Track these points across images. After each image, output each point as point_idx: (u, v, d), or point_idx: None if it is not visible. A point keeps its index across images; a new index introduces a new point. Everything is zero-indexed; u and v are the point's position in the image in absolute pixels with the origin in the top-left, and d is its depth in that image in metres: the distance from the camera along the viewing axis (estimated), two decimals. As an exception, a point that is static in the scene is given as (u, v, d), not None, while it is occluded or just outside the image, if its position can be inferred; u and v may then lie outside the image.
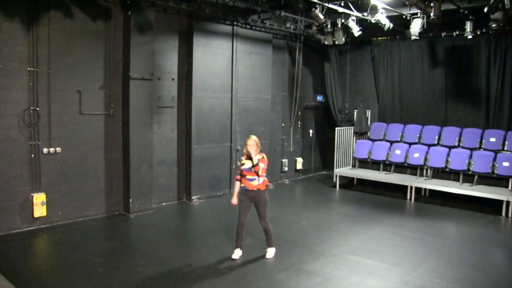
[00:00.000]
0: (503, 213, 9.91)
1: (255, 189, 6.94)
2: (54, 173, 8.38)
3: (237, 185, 7.06)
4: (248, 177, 6.92)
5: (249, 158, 6.91)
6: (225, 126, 11.16)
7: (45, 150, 8.21)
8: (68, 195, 8.59)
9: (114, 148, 9.24)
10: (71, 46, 8.44)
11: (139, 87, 9.20)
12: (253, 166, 6.85)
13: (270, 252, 7.18)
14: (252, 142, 6.92)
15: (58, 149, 8.38)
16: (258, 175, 6.89)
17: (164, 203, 10.17)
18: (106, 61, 8.99)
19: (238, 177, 7.04)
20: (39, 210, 8.12)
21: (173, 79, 10.20)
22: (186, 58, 10.34)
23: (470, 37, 10.59)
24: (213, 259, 7.03)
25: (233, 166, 11.32)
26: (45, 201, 8.18)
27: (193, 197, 10.52)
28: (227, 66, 11.06)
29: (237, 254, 7.08)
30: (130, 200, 9.23)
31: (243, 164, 6.98)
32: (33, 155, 8.08)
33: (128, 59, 9.01)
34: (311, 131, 14.43)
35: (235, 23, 11.04)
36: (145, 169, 9.44)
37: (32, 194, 8.07)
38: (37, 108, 8.07)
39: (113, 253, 7.20)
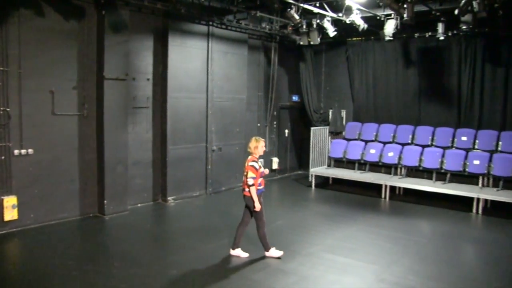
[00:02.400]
0: (474, 210, 10.17)
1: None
2: (26, 175, 8.21)
3: (255, 190, 6.92)
4: (262, 178, 7.06)
5: (258, 159, 7.04)
6: (200, 127, 11.13)
7: (16, 151, 8.04)
8: (40, 198, 8.43)
9: (88, 149, 9.12)
10: (43, 45, 8.28)
11: (114, 88, 9.09)
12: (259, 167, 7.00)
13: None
14: (264, 144, 7.08)
15: (30, 151, 8.22)
16: None
17: (139, 204, 10.09)
18: (80, 61, 8.86)
19: (255, 181, 6.92)
20: (10, 214, 7.94)
21: (148, 79, 10.12)
22: (161, 58, 10.27)
23: (442, 38, 10.81)
24: (190, 260, 7.01)
25: (209, 167, 11.31)
26: (16, 204, 8.01)
27: (169, 198, 10.46)
28: (202, 66, 11.03)
29: (278, 252, 7.15)
30: (105, 201, 9.12)
31: (260, 167, 7.02)
32: (3, 157, 7.90)
33: (102, 59, 8.90)
34: (286, 131, 14.49)
35: (210, 23, 11.02)
36: (120, 170, 9.34)
37: (2, 197, 7.89)
38: (8, 109, 7.89)
39: (88, 255, 7.11)
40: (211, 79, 11.22)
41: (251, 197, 6.90)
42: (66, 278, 6.20)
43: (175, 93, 10.41)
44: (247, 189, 6.94)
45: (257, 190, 6.94)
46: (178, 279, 6.30)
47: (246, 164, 7.01)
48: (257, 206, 6.91)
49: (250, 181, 6.84)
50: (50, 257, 6.94)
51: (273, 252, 7.16)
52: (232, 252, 7.20)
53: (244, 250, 7.23)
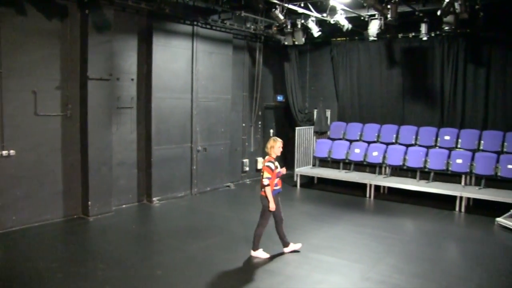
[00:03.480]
0: (457, 208, 10.33)
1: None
2: (8, 176, 8.10)
3: (270, 190, 6.99)
4: (278, 178, 7.12)
5: (275, 160, 7.10)
6: (185, 127, 11.11)
7: (-3, 153, 7.95)
8: (23, 200, 8.32)
9: (71, 150, 9.03)
10: (25, 45, 8.18)
11: (98, 88, 9.02)
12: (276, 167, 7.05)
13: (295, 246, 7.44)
14: (281, 144, 7.15)
15: (12, 152, 8.11)
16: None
17: (124, 205, 10.03)
18: (63, 61, 8.77)
19: (271, 181, 6.98)
20: (-8, 216, 7.86)
21: (132, 80, 10.07)
22: (146, 58, 10.23)
23: (425, 38, 10.94)
24: (175, 260, 7.01)
25: (194, 167, 11.30)
26: (-3, 206, 7.92)
27: (153, 199, 10.42)
28: (187, 66, 11.01)
29: (265, 253, 7.19)
30: (89, 203, 9.05)
31: (277, 167, 7.06)
32: (-15, 158, 7.82)
33: (86, 59, 8.83)
34: (271, 131, 14.51)
35: (195, 23, 10.99)
36: (104, 171, 9.28)
37: (-16, 199, 7.81)
38: (-11, 110, 7.81)
39: (72, 258, 7.05)
40: (196, 79, 11.20)
41: (266, 197, 6.96)
42: (50, 281, 6.15)
43: (159, 93, 10.37)
44: (262, 189, 7.02)
45: (273, 190, 7.00)
46: (164, 280, 6.28)
47: (262, 165, 7.12)
48: (272, 206, 6.97)
49: (266, 181, 6.92)
50: (33, 260, 6.86)
51: (260, 253, 7.19)
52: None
53: (233, 250, 7.24)
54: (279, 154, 7.16)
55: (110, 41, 9.21)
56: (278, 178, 7.12)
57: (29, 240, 7.73)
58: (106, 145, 9.31)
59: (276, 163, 7.09)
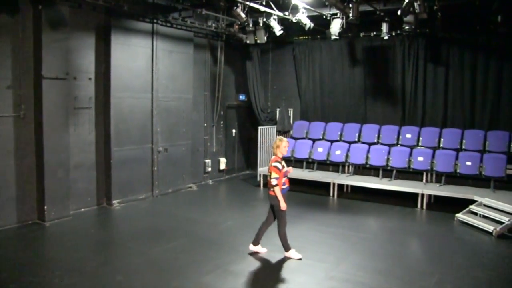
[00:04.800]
0: (419, 205, 10.60)
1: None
2: (-43, 181, 7.80)
3: (279, 190, 7.05)
4: (287, 177, 7.22)
5: (281, 159, 7.15)
6: (145, 127, 10.97)
7: None
8: (-26, 205, 8.03)
9: (26, 152, 8.75)
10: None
11: (53, 87, 8.78)
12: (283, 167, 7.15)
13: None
14: (287, 144, 7.18)
15: (-39, 155, 7.82)
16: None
17: (82, 209, 9.81)
18: (15, 59, 8.48)
19: (279, 181, 7.04)
20: None
21: (90, 79, 9.85)
22: (104, 57, 10.03)
23: (386, 38, 11.21)
24: (137, 264, 6.90)
25: (155, 168, 11.17)
26: None
27: (113, 202, 10.25)
28: (147, 65, 10.87)
29: (298, 254, 7.24)
30: (45, 207, 8.79)
31: (284, 167, 7.11)
32: None
33: (40, 57, 8.56)
34: (234, 130, 14.51)
35: (155, 20, 10.86)
36: (61, 174, 9.03)
37: None
38: None
39: (26, 266, 6.80)
40: (156, 79, 11.09)
41: (276, 197, 7.03)
42: (3, 289, 5.95)
43: (118, 93, 10.20)
44: (271, 189, 7.08)
45: (282, 189, 7.08)
46: (125, 286, 6.17)
47: (269, 165, 7.19)
48: (283, 206, 7.05)
49: (274, 181, 7.01)
50: (-15, 267, 6.62)
51: (293, 254, 7.24)
52: (253, 248, 7.39)
53: (196, 252, 7.18)
54: (285, 153, 7.22)
55: (66, 38, 8.99)
56: (286, 177, 7.20)
57: (-20, 248, 7.45)
58: (63, 147, 9.07)
59: (283, 163, 7.16)
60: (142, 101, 10.83)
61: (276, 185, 7.01)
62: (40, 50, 8.56)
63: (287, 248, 7.26)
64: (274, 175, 7.03)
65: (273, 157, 7.23)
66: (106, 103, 10.12)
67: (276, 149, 7.18)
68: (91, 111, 9.93)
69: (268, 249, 7.53)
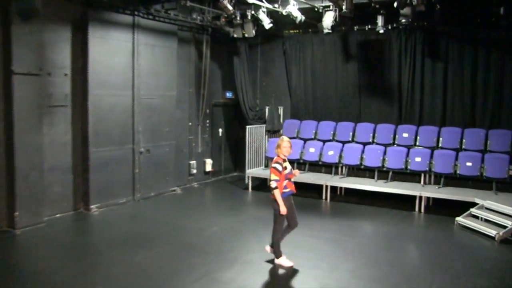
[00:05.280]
0: (416, 208, 10.60)
1: (294, 191, 7.17)
2: None
3: (279, 193, 6.94)
4: (292, 180, 7.11)
5: (284, 160, 7.06)
6: (126, 127, 10.88)
7: None
8: None
9: (-5, 154, 8.63)
10: None
11: (25, 84, 8.64)
12: (291, 168, 7.10)
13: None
14: (289, 144, 7.04)
15: None
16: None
17: (58, 215, 9.67)
18: (-20, 53, 8.35)
19: (279, 183, 6.94)
20: None
21: (66, 75, 9.73)
22: (81, 51, 9.92)
23: (381, 31, 11.19)
24: (117, 273, 6.82)
25: (137, 170, 11.08)
26: None
27: (92, 206, 10.14)
28: (127, 61, 10.78)
29: (289, 261, 7.14)
30: (16, 213, 8.64)
31: (285, 168, 6.99)
32: None
33: (10, 51, 8.41)
34: (220, 130, 14.46)
35: (136, 12, 10.78)
36: (34, 177, 8.89)
37: None
38: None
39: (-5, 276, 6.69)
40: (138, 75, 11.00)
41: (276, 200, 6.95)
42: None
43: (97, 90, 10.09)
44: (272, 192, 7.02)
45: (283, 193, 6.95)
46: (104, 296, 6.09)
47: (269, 166, 7.18)
48: (283, 210, 6.90)
49: (273, 184, 6.93)
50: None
51: (283, 261, 7.16)
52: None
53: (180, 259, 7.10)
54: (287, 154, 7.08)
55: (40, 31, 8.85)
56: (287, 180, 7.06)
57: None
58: (36, 148, 8.94)
59: (285, 164, 7.05)
60: (122, 98, 10.74)
61: (276, 187, 6.92)
62: (9, 43, 8.41)
63: (278, 255, 7.20)
64: (273, 177, 6.95)
65: (275, 157, 7.15)
66: (83, 101, 10.01)
67: (277, 149, 7.09)
68: (67, 109, 9.81)
69: (257, 256, 7.50)
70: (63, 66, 9.68)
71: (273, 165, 7.01)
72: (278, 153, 7.07)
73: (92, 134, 10.09)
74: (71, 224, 9.45)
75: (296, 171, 7.32)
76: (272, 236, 7.21)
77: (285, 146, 7.03)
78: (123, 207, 10.60)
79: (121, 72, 10.68)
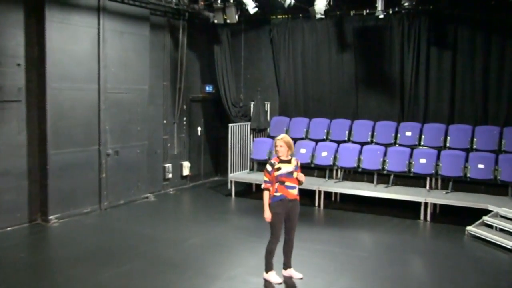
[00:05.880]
0: (422, 217, 10.59)
1: (294, 198, 7.11)
2: None
3: (267, 196, 6.98)
4: (287, 184, 7.02)
5: (282, 161, 7.01)
6: (91, 125, 10.80)
7: None
8: None
9: None
10: None
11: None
12: (292, 172, 7.00)
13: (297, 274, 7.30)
14: (281, 143, 6.96)
15: None
16: (299, 183, 7.07)
17: (9, 228, 9.53)
18: None
19: (269, 185, 6.98)
20: None
21: (18, 65, 9.61)
22: (37, 38, 9.81)
23: (381, 16, 11.15)
24: (79, 295, 6.68)
25: (103, 175, 10.99)
26: None
27: (51, 217, 10.03)
28: (92, 49, 10.70)
29: (278, 277, 7.09)
30: (-40, 226, 8.52)
31: (278, 169, 6.94)
32: None
33: None
34: (199, 128, 14.45)
35: (101, -6, 10.70)
36: (-19, 184, 8.77)
37: None
38: None
39: None
40: (104, 66, 10.93)
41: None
42: None
43: (57, 82, 9.99)
44: None
45: (274, 196, 6.96)
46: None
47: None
48: (266, 214, 6.97)
49: (262, 185, 7.03)
50: None
51: (272, 277, 7.10)
52: (284, 273, 7.28)
53: (154, 276, 6.99)
54: (280, 155, 7.02)
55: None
56: (279, 183, 6.98)
57: None
58: (-16, 150, 8.82)
59: (280, 165, 6.99)
60: (86, 93, 10.66)
61: (266, 189, 6.95)
62: None
63: (268, 268, 7.12)
64: (264, 178, 7.02)
65: (294, 160, 7.21)
66: (40, 95, 9.91)
67: (290, 150, 7.13)
68: (20, 105, 9.70)
69: (241, 271, 7.46)
70: (15, 55, 9.55)
71: (267, 165, 7.07)
72: (275, 153, 7.08)
73: (51, 134, 9.98)
74: (26, 238, 9.35)
75: (301, 176, 7.15)
76: (267, 246, 7.14)
77: (276, 146, 7.03)
78: (88, 218, 10.52)
79: (85, 63, 10.59)
